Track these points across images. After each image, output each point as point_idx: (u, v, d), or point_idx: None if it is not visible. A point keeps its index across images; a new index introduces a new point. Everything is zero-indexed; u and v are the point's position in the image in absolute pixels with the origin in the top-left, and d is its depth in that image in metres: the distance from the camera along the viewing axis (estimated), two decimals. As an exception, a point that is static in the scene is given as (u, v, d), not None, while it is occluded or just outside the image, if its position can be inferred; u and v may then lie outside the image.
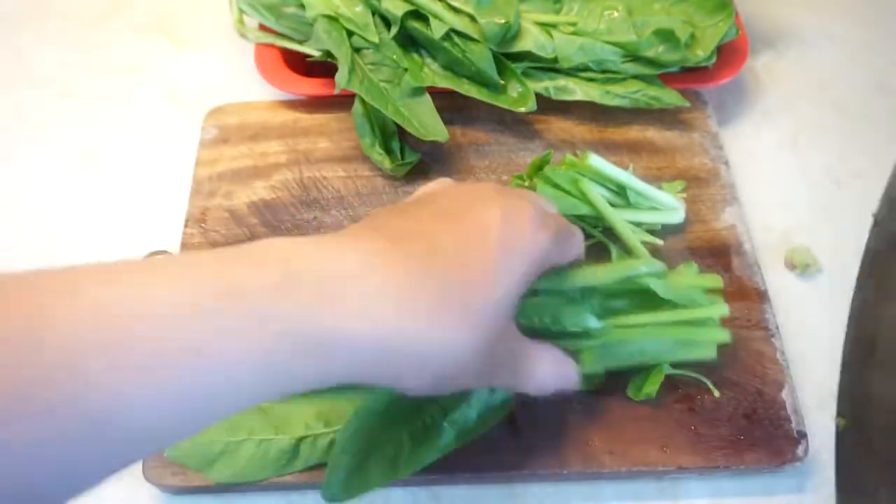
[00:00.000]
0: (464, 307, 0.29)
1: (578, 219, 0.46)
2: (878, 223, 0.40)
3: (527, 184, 0.46)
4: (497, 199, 0.32)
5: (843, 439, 0.37)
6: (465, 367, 0.29)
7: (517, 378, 0.34)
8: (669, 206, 0.46)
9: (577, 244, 0.37)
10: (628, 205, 0.46)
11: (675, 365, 0.41)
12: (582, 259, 0.38)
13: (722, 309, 0.39)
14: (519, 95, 0.51)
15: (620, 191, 0.46)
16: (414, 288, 0.28)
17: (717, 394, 0.40)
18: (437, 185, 0.39)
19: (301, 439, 0.39)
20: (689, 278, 0.41)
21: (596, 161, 0.44)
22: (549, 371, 0.35)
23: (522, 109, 0.50)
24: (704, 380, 0.41)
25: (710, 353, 0.39)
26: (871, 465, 0.35)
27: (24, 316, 0.22)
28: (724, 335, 0.39)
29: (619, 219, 0.44)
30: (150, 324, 0.23)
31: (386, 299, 0.27)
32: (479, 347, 0.29)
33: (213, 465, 0.39)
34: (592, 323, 0.38)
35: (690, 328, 0.39)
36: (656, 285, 0.38)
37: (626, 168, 0.46)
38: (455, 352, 0.28)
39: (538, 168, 0.45)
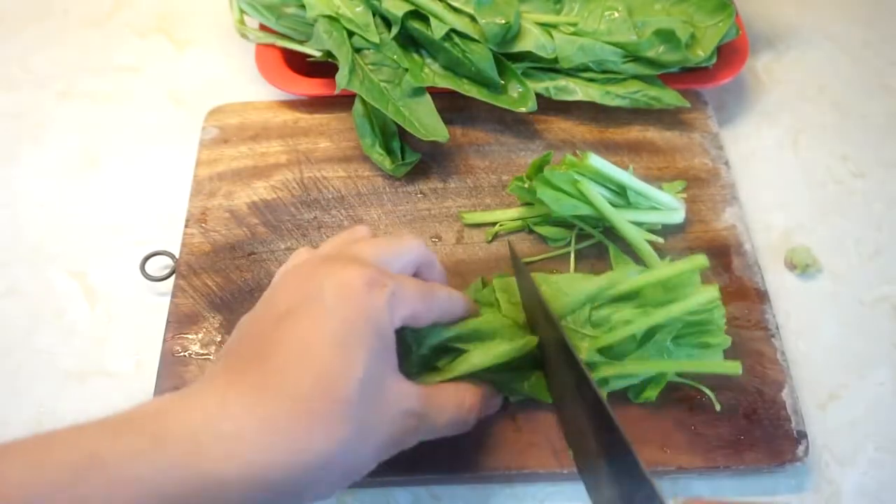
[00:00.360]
0: (313, 408, 0.29)
1: (579, 219, 0.46)
2: None
3: (526, 185, 0.46)
4: (327, 277, 0.32)
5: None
6: (355, 458, 0.31)
7: (419, 434, 0.34)
8: (669, 206, 0.46)
9: (441, 299, 0.36)
10: (628, 205, 0.46)
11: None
12: (471, 313, 0.39)
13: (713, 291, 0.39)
14: (519, 95, 0.51)
15: (620, 191, 0.46)
16: (269, 409, 0.28)
17: (718, 407, 0.40)
18: (285, 270, 0.37)
19: None
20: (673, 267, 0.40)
21: (596, 161, 0.44)
22: (450, 410, 0.35)
23: (523, 109, 0.50)
24: (706, 390, 0.40)
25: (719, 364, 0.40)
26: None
27: None
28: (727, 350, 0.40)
29: (621, 218, 0.44)
30: None
31: (245, 437, 0.28)
32: (354, 432, 0.30)
33: None
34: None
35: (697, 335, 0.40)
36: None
37: (626, 168, 0.46)
38: (332, 453, 0.29)
39: (538, 169, 0.45)
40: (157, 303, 0.48)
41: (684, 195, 0.48)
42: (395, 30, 0.51)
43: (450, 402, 0.35)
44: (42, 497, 0.24)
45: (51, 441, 0.26)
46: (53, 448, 0.26)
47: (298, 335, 0.30)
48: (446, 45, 0.50)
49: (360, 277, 0.32)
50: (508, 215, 0.48)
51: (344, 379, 0.30)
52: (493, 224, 0.48)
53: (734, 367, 0.38)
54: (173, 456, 0.26)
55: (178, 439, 0.27)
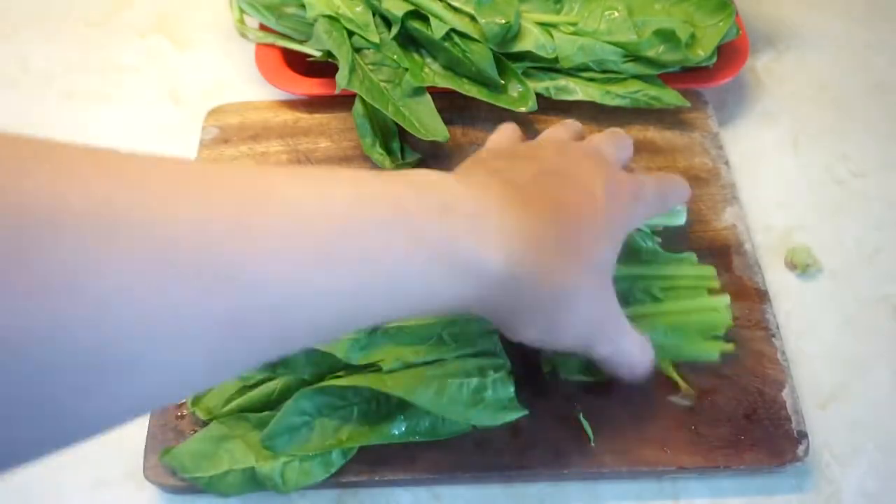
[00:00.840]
0: (577, 255, 0.32)
1: None
2: None
3: None
4: (598, 169, 0.36)
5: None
6: (574, 316, 0.33)
7: (614, 348, 0.36)
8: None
9: (677, 195, 0.42)
10: None
11: (676, 368, 0.41)
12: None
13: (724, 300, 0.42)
14: (519, 95, 0.51)
15: None
16: (540, 231, 0.31)
17: (683, 388, 0.41)
18: (507, 136, 0.43)
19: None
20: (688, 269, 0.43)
21: None
22: (638, 351, 0.37)
23: (523, 109, 0.50)
24: (674, 374, 0.41)
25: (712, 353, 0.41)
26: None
27: (230, 215, 0.23)
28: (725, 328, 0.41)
29: None
30: (332, 225, 0.25)
31: (519, 237, 0.30)
32: (590, 295, 0.33)
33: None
34: None
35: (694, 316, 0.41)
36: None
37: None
38: (568, 295, 0.32)
39: None
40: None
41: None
42: (395, 30, 0.51)
43: (636, 339, 0.37)
44: (362, 228, 0.26)
45: (366, 182, 0.28)
46: (371, 183, 0.28)
47: (582, 196, 0.34)
48: (446, 44, 0.50)
49: (628, 186, 0.36)
50: None
51: (603, 250, 0.34)
52: None
53: (711, 351, 0.40)
54: (461, 228, 0.28)
55: (463, 216, 0.29)
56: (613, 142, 0.41)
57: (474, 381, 0.39)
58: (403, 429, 0.39)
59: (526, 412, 0.39)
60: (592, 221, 0.33)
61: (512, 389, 0.39)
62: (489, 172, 0.34)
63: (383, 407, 0.39)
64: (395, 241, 0.26)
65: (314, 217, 0.25)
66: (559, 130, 0.43)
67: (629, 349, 0.37)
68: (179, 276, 0.21)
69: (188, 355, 0.22)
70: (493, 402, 0.39)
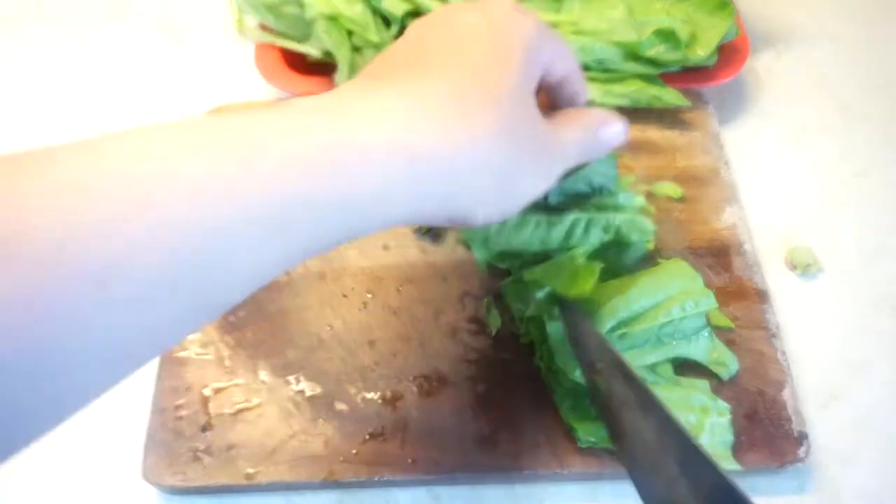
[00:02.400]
0: (477, 97, 0.28)
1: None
2: None
3: None
4: (475, 6, 0.32)
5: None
6: (506, 168, 0.29)
7: (555, 155, 0.32)
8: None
9: (570, 70, 0.35)
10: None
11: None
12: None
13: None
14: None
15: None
16: (422, 98, 0.28)
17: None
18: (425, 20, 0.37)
19: None
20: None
21: None
22: (581, 134, 0.34)
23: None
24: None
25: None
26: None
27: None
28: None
29: None
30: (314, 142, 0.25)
31: (395, 110, 0.27)
32: (506, 132, 0.29)
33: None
34: None
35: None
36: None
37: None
38: (484, 143, 0.28)
39: None
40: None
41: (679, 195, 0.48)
42: (394, 29, 0.51)
43: (581, 121, 0.34)
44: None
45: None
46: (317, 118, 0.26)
47: (452, 39, 0.30)
48: (446, 44, 0.50)
49: (509, 3, 0.32)
50: None
51: (499, 74, 0.29)
52: None
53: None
54: (317, 124, 0.26)
55: (328, 110, 0.26)
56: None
57: (692, 418, 0.39)
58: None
59: (739, 468, 0.38)
60: (482, 55, 0.30)
61: (731, 439, 0.39)
62: (391, 67, 0.31)
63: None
64: (376, 151, 0.26)
65: (296, 131, 0.25)
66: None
67: (564, 142, 0.33)
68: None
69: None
70: (707, 447, 0.37)
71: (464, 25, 0.31)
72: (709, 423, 0.39)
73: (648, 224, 0.42)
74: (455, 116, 0.28)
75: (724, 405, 0.39)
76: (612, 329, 0.39)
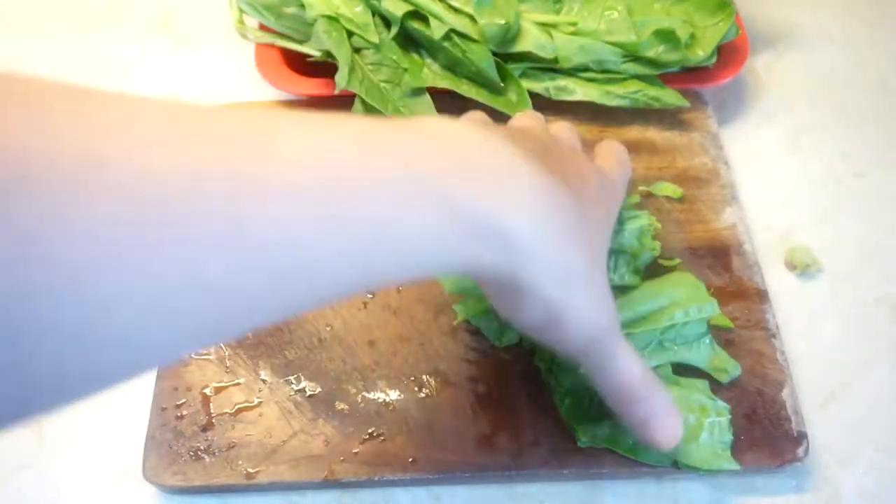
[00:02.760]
0: (589, 236, 0.30)
1: None
2: None
3: None
4: (587, 164, 0.35)
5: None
6: (575, 311, 0.30)
7: (618, 379, 0.33)
8: None
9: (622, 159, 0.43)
10: None
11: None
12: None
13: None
14: (518, 98, 0.51)
15: None
16: (564, 199, 0.29)
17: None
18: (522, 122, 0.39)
19: None
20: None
21: None
22: (658, 406, 0.35)
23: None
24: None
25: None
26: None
27: (226, 168, 0.21)
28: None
29: None
30: (338, 182, 0.23)
31: (549, 201, 0.28)
32: (597, 285, 0.31)
33: None
34: None
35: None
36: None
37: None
38: (578, 277, 0.29)
39: None
40: (156, 303, 0.48)
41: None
42: (394, 30, 0.51)
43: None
44: (370, 185, 0.24)
45: (371, 131, 0.26)
46: (381, 134, 0.26)
47: (581, 179, 0.32)
48: (446, 45, 0.50)
49: (613, 186, 0.38)
50: None
51: (603, 241, 0.34)
52: None
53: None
54: (480, 186, 0.26)
55: (482, 172, 0.27)
56: (568, 131, 0.41)
57: (692, 418, 0.39)
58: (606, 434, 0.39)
59: (737, 467, 0.38)
60: (595, 202, 0.32)
61: (730, 439, 0.39)
62: (508, 135, 0.30)
63: (595, 408, 0.39)
64: (407, 201, 0.24)
65: (318, 172, 0.22)
66: (527, 119, 0.39)
67: (640, 390, 0.33)
68: (168, 240, 0.19)
69: (178, 326, 0.20)
70: (706, 446, 0.38)
71: (586, 176, 0.34)
72: (708, 423, 0.39)
73: (655, 243, 0.44)
74: (570, 232, 0.29)
75: (723, 405, 0.39)
76: None
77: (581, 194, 0.31)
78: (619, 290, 0.41)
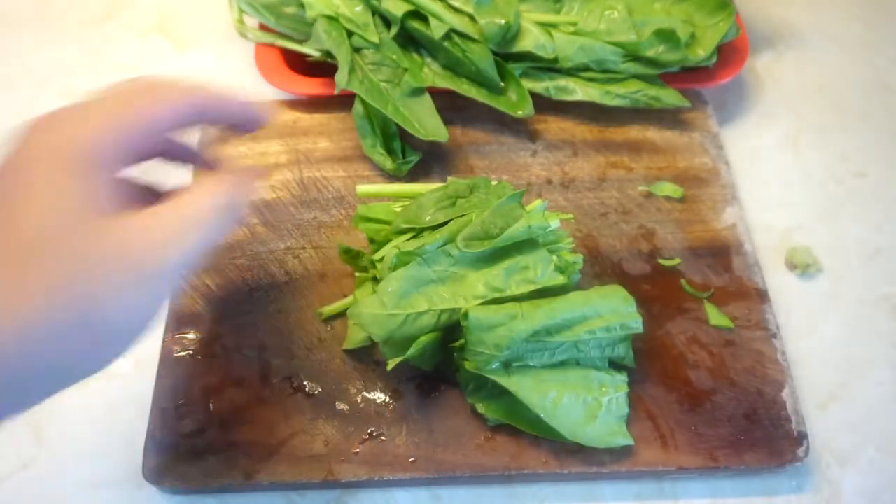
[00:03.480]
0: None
1: None
2: None
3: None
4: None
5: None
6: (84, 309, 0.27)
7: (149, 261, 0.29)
8: None
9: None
10: None
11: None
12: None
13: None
14: (518, 98, 0.51)
15: None
16: None
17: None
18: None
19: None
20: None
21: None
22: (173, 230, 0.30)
23: (520, 114, 0.50)
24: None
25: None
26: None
27: None
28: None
29: None
30: None
31: None
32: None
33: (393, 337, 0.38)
34: None
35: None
36: None
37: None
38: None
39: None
40: (156, 303, 0.47)
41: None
42: (394, 29, 0.51)
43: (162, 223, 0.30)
44: None
45: None
46: None
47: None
48: (446, 44, 0.50)
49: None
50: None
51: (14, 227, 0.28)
52: None
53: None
54: None
55: None
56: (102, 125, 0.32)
57: (591, 397, 0.39)
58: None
59: (631, 442, 0.39)
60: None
61: (626, 412, 0.39)
62: None
63: (492, 389, 0.40)
64: None
65: None
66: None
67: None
68: None
69: None
70: (604, 423, 0.38)
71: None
72: (605, 401, 0.39)
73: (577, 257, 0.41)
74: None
75: (621, 378, 0.40)
76: (532, 335, 0.38)
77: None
78: (548, 292, 0.39)
